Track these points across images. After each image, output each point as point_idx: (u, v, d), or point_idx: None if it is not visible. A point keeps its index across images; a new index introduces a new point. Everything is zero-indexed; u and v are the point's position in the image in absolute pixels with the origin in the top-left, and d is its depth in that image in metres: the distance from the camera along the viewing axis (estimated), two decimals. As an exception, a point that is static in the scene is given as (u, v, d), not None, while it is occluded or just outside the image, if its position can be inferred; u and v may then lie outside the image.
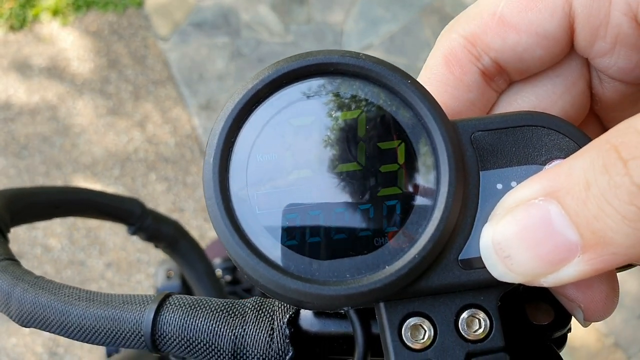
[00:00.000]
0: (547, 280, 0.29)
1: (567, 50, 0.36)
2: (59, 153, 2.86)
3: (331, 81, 0.33)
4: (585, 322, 0.36)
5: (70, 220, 2.66)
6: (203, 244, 1.68)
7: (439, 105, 0.32)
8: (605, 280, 0.34)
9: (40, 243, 2.63)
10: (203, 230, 2.63)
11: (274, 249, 0.31)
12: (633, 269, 0.38)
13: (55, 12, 3.21)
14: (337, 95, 0.33)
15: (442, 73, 0.37)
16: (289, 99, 0.33)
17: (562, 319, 0.38)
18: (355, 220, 0.32)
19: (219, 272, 1.57)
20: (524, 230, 0.28)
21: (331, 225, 0.32)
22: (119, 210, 0.79)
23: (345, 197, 0.32)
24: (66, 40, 3.15)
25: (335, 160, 0.32)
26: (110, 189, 2.75)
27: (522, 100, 0.38)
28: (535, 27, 0.34)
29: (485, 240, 0.30)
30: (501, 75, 0.37)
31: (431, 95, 0.32)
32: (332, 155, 0.32)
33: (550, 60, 0.36)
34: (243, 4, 3.22)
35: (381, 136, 0.32)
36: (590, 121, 0.40)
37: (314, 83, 0.33)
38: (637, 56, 0.34)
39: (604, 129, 0.40)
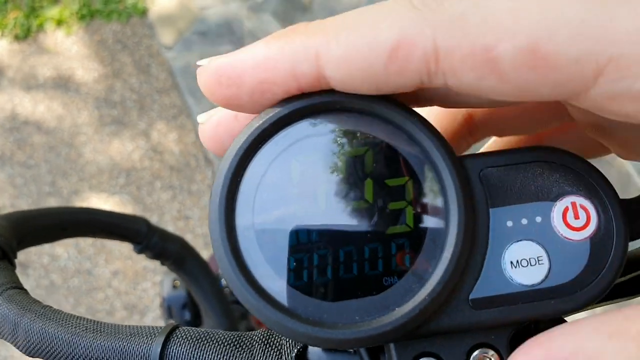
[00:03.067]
0: None
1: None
2: (65, 162, 2.86)
3: (337, 119, 0.33)
4: None
5: (76, 229, 2.67)
6: (208, 252, 1.68)
7: (447, 142, 0.32)
8: None
9: (47, 252, 2.64)
10: (209, 238, 2.63)
11: (281, 290, 0.31)
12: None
13: (60, 22, 3.22)
14: (343, 132, 0.32)
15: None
16: (295, 136, 0.32)
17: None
18: (363, 260, 0.31)
19: (223, 282, 1.57)
20: None
21: (339, 264, 0.31)
22: (125, 230, 0.79)
23: (353, 236, 0.32)
24: (71, 50, 3.17)
25: (343, 198, 0.32)
26: (115, 197, 2.76)
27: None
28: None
29: None
30: None
31: (438, 132, 0.32)
32: (339, 192, 0.32)
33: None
34: (246, 12, 3.22)
35: (388, 173, 0.32)
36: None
37: (320, 120, 0.33)
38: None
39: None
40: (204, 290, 0.89)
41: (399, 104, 0.32)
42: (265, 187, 0.32)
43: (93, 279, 2.59)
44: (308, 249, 0.31)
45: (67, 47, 3.18)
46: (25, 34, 3.20)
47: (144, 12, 3.25)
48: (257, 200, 0.32)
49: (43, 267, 2.60)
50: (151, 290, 2.56)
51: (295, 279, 0.31)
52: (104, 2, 3.27)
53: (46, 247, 2.64)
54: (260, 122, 0.32)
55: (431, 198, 0.32)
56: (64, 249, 2.65)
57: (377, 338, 0.30)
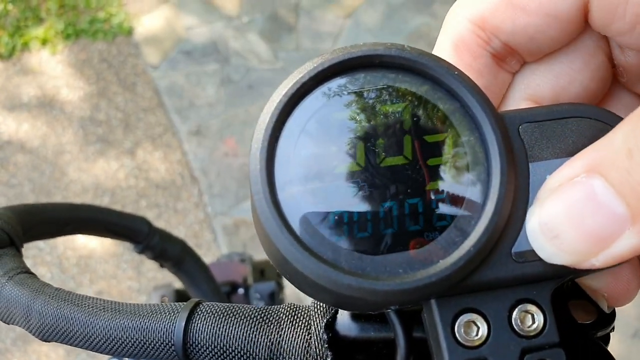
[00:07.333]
0: (599, 260, 0.28)
1: (580, 29, 0.35)
2: (49, 181, 2.82)
3: (376, 74, 0.32)
4: (609, 308, 0.37)
5: (60, 248, 2.62)
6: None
7: (487, 98, 0.32)
8: (628, 268, 0.34)
9: (30, 272, 2.58)
10: (196, 256, 2.60)
11: (322, 245, 0.30)
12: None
13: (45, 41, 3.21)
14: (382, 88, 0.32)
15: (452, 61, 0.36)
16: (334, 92, 0.32)
17: (606, 317, 0.38)
18: (404, 215, 0.31)
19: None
20: (569, 208, 0.28)
21: (379, 220, 0.31)
22: (127, 229, 0.78)
23: (393, 191, 0.31)
24: (55, 69, 3.15)
25: (381, 154, 0.31)
26: (100, 216, 2.72)
27: (540, 80, 0.37)
28: (546, 9, 0.33)
29: (532, 223, 0.30)
30: (513, 57, 0.36)
31: (479, 87, 0.32)
32: (378, 149, 0.32)
33: (563, 40, 0.35)
34: (232, 32, 3.24)
35: (428, 129, 0.32)
36: (619, 94, 0.39)
37: (359, 76, 0.32)
38: None
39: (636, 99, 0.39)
40: (204, 293, 0.87)
41: (438, 58, 0.32)
42: (303, 143, 0.32)
43: (77, 299, 2.54)
44: (348, 204, 0.31)
45: (52, 66, 3.16)
46: (9, 53, 3.18)
47: (129, 32, 3.25)
48: (295, 155, 0.31)
49: (25, 287, 2.54)
50: (136, 311, 2.52)
51: (337, 234, 0.31)
52: (90, 22, 3.27)
53: (29, 267, 2.58)
54: (299, 77, 0.32)
55: (472, 153, 0.32)
56: (47, 269, 2.60)
57: (422, 290, 0.29)
